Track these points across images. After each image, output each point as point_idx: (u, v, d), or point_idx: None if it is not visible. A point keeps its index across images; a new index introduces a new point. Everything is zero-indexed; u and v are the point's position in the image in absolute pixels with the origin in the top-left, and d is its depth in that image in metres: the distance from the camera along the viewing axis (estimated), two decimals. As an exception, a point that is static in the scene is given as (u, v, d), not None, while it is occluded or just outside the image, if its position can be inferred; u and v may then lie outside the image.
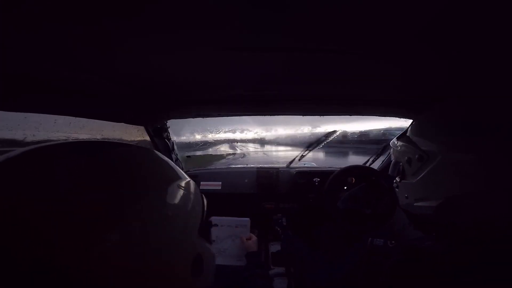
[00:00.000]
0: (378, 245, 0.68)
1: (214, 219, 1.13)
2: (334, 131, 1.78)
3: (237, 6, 0.39)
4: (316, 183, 1.69)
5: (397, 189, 0.73)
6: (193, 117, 1.41)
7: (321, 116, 1.39)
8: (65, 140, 1.13)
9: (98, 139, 1.23)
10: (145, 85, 0.87)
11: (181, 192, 0.39)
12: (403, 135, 0.71)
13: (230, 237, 1.10)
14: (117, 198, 0.31)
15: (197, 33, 0.48)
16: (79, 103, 0.83)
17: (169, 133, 1.52)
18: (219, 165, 2.10)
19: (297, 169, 1.80)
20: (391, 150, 0.78)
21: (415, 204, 0.62)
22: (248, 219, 1.13)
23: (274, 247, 1.53)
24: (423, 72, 0.73)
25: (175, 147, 1.62)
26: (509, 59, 0.58)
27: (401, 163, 0.70)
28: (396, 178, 0.75)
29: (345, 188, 1.51)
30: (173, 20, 0.43)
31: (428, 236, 0.61)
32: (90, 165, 0.33)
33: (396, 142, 0.74)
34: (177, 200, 0.38)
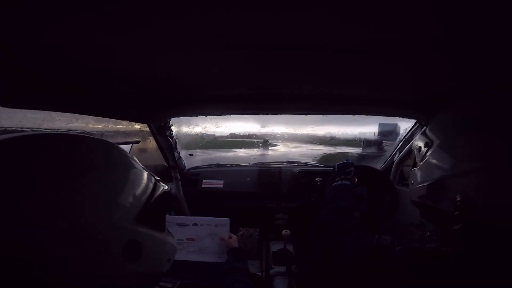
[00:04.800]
0: (385, 246, 0.68)
1: (190, 219, 1.16)
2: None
3: (239, 6, 0.39)
4: (318, 183, 1.68)
5: (410, 178, 0.78)
6: (195, 116, 1.41)
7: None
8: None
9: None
10: (149, 83, 0.88)
11: (111, 180, 0.42)
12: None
13: (210, 235, 1.12)
14: (44, 180, 0.35)
15: (200, 33, 0.49)
16: (84, 101, 0.83)
17: (171, 131, 1.53)
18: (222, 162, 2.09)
19: (299, 169, 1.80)
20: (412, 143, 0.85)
21: (415, 187, 0.68)
22: (227, 219, 1.14)
23: (275, 246, 1.54)
24: (429, 74, 0.73)
25: (178, 145, 1.63)
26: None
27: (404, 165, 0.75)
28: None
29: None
30: (177, 20, 0.43)
31: (429, 237, 0.62)
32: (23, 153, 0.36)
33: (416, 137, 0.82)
34: (105, 187, 0.40)
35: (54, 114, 0.78)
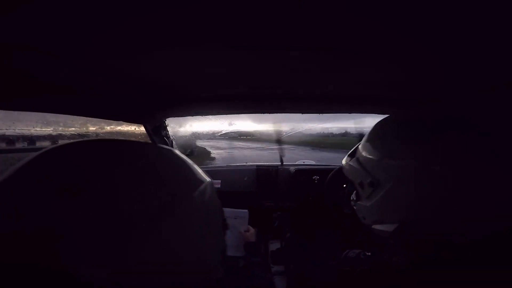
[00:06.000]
0: (351, 257, 0.68)
1: None
2: None
3: (237, 5, 0.39)
4: (316, 181, 1.69)
5: (354, 207, 0.69)
6: (192, 116, 1.40)
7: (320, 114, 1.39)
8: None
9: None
10: (144, 83, 0.87)
11: (212, 192, 0.44)
12: (354, 152, 0.69)
13: (229, 228, 1.10)
14: (168, 195, 0.35)
15: (196, 32, 0.48)
16: (78, 101, 0.82)
17: (168, 131, 1.52)
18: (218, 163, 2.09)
19: (296, 167, 1.80)
20: (344, 168, 0.72)
21: (372, 227, 0.60)
22: (246, 211, 1.13)
23: (274, 245, 1.54)
24: (423, 70, 0.73)
25: (174, 145, 1.62)
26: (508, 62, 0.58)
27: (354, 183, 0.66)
28: (353, 195, 0.72)
29: (344, 186, 1.52)
30: (173, 19, 0.43)
31: (398, 250, 0.59)
32: (148, 164, 0.37)
33: (347, 161, 0.70)
34: (211, 199, 0.43)
35: (47, 115, 0.77)
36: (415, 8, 0.39)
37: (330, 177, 1.54)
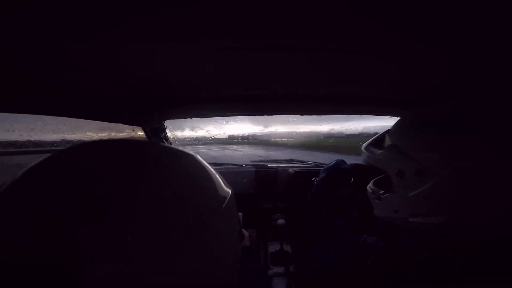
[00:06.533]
0: (369, 242, 0.67)
1: None
2: None
3: (235, 6, 0.39)
4: (315, 182, 1.69)
5: (377, 201, 0.65)
6: (190, 117, 1.40)
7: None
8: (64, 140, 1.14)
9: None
10: (142, 85, 0.87)
11: (234, 203, 0.44)
12: (382, 139, 0.65)
13: (244, 238, 1.08)
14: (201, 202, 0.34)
15: (193, 33, 0.48)
16: (76, 103, 0.82)
17: (166, 133, 1.51)
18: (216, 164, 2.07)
19: (295, 169, 1.80)
20: (364, 155, 0.68)
21: (410, 220, 0.55)
22: (240, 213, 1.12)
23: (273, 247, 1.53)
24: (423, 70, 0.73)
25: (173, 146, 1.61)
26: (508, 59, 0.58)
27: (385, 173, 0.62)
28: (371, 186, 0.68)
29: (343, 187, 1.51)
30: (170, 22, 0.43)
31: (414, 242, 0.58)
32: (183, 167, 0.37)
33: (373, 149, 0.66)
34: (233, 211, 0.43)
35: (46, 117, 0.77)
36: (415, 8, 0.39)
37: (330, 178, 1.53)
